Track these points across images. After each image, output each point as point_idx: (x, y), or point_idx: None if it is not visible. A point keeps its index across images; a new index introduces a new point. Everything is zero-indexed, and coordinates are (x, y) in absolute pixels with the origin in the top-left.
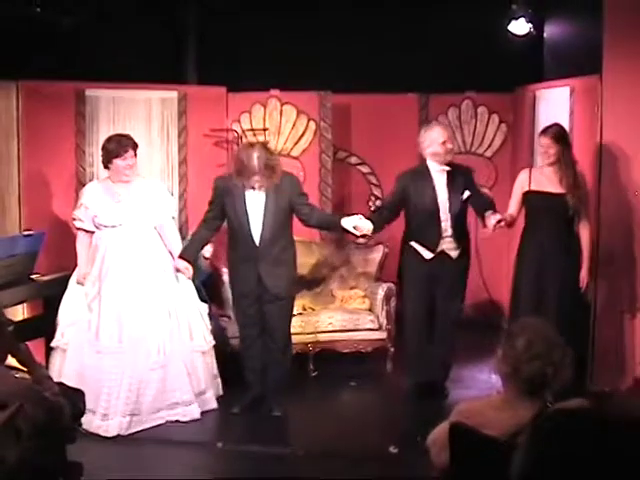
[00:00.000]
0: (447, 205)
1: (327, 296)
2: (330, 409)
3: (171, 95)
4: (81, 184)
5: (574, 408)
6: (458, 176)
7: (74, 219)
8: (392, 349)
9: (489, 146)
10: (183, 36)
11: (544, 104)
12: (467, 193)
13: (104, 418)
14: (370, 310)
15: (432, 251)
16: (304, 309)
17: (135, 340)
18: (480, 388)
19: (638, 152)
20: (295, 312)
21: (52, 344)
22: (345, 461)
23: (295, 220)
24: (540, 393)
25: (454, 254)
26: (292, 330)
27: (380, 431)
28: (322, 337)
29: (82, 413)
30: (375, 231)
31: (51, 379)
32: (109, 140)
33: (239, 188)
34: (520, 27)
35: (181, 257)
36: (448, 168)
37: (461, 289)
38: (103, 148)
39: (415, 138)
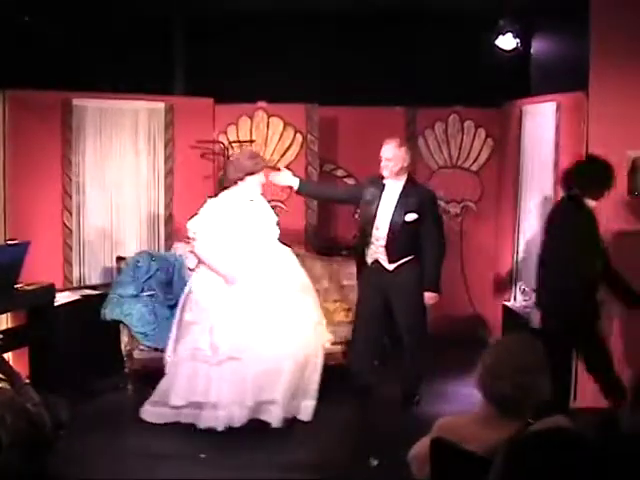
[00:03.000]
0: (388, 217)
1: None
2: (312, 421)
3: (158, 106)
4: (67, 194)
5: (546, 429)
6: (414, 196)
7: (193, 233)
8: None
9: (475, 160)
10: (171, 47)
11: (530, 119)
12: (413, 216)
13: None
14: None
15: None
16: None
17: (255, 346)
18: (463, 403)
19: (623, 168)
20: None
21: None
22: (326, 473)
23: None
24: (516, 412)
25: (389, 267)
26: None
27: (362, 444)
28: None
29: (62, 423)
30: (300, 190)
31: (31, 390)
32: (245, 156)
33: None
34: (507, 42)
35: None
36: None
37: (414, 304)
38: (237, 163)
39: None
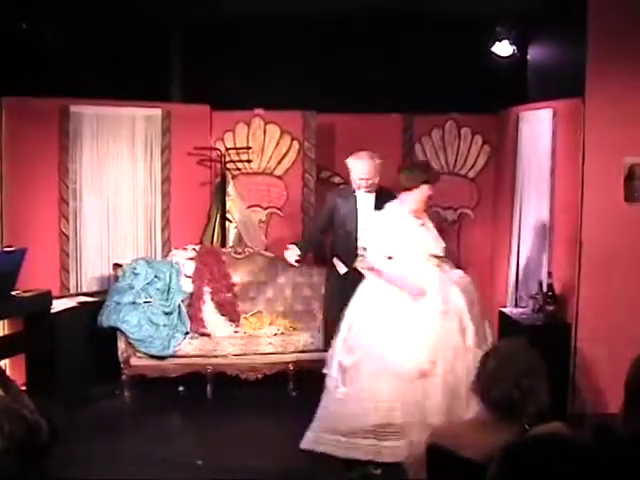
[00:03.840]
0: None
1: (309, 315)
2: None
3: (155, 113)
4: (64, 200)
5: (542, 435)
6: (389, 199)
7: (363, 249)
8: None
9: (472, 167)
10: (168, 54)
11: (527, 125)
12: None
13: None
14: None
15: (347, 266)
16: (285, 329)
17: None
18: None
19: (620, 174)
20: (276, 331)
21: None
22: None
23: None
24: (514, 416)
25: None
26: (271, 350)
27: None
28: (303, 357)
29: (58, 430)
30: (301, 253)
31: (26, 397)
32: (424, 164)
33: None
34: (504, 49)
35: None
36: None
37: None
38: (417, 169)
39: (399, 158)
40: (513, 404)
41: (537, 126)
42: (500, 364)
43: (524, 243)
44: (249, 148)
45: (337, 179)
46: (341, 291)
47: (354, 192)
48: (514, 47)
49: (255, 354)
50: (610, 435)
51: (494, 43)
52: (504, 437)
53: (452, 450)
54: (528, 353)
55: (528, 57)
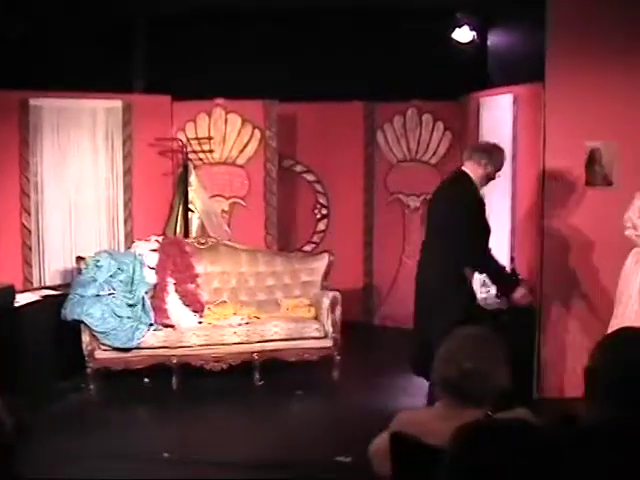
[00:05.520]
0: None
1: (272, 305)
2: (277, 418)
3: (116, 104)
4: (25, 194)
5: (491, 420)
6: None
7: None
8: (338, 357)
9: (434, 153)
10: (128, 45)
11: (488, 111)
12: None
13: None
14: (316, 319)
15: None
16: (249, 318)
17: None
18: (425, 397)
19: (581, 159)
20: (240, 321)
21: None
22: (293, 471)
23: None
24: (468, 401)
25: None
26: (236, 339)
27: (328, 440)
28: (268, 346)
29: (24, 424)
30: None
31: None
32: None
33: None
34: (464, 35)
35: None
36: None
37: None
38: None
39: (361, 146)
40: (454, 387)
41: (498, 112)
42: (449, 348)
43: None
44: (211, 138)
45: (299, 167)
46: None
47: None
48: (474, 33)
49: (220, 344)
50: (571, 421)
51: (454, 29)
52: None
53: (416, 438)
54: (481, 338)
55: (488, 43)
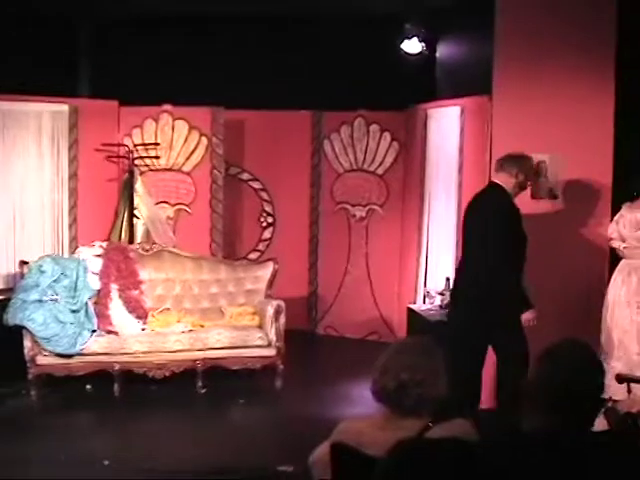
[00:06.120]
0: None
1: (216, 313)
2: (219, 426)
3: (62, 108)
4: None
5: (421, 440)
6: None
7: None
8: (281, 366)
9: (381, 163)
10: (75, 49)
11: (435, 122)
12: None
13: None
14: (260, 327)
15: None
16: (193, 326)
17: None
18: (368, 406)
19: None
20: (184, 329)
21: None
22: (235, 479)
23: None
24: (407, 412)
25: None
26: (179, 347)
27: (271, 448)
28: (211, 354)
29: None
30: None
31: None
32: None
33: None
34: (413, 46)
35: None
36: None
37: None
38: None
39: (308, 155)
40: (392, 398)
41: (445, 123)
42: (388, 359)
43: (432, 239)
44: (157, 144)
45: (246, 175)
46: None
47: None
48: (423, 44)
49: (163, 352)
50: (510, 434)
51: (403, 40)
52: (405, 434)
53: (355, 448)
54: (419, 348)
55: (437, 54)
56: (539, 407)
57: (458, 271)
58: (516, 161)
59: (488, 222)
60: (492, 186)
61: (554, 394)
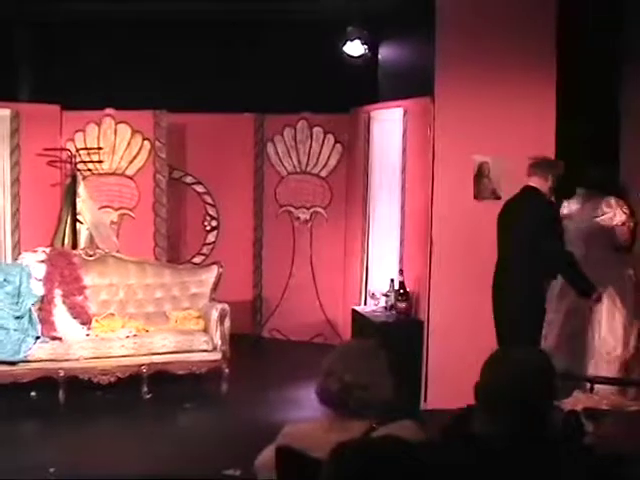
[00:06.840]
0: None
1: (161, 317)
2: (165, 431)
3: (3, 113)
4: None
5: (372, 439)
6: None
7: None
8: (227, 370)
9: (324, 166)
10: (16, 52)
11: (378, 125)
12: None
13: None
14: (205, 331)
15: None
16: (137, 331)
17: None
18: (315, 409)
19: (469, 172)
20: (128, 334)
21: None
22: None
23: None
24: (352, 413)
25: None
26: (124, 352)
27: (217, 453)
28: (156, 359)
29: None
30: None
31: None
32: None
33: None
34: (355, 49)
35: None
36: None
37: None
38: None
39: (251, 158)
40: (336, 400)
41: (388, 125)
42: (332, 361)
43: (376, 241)
44: (100, 148)
45: (189, 179)
46: None
47: None
48: (365, 47)
49: (107, 357)
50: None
51: (345, 43)
52: (350, 437)
53: (301, 451)
54: (363, 350)
55: (379, 57)
56: (484, 409)
57: (498, 271)
58: (550, 166)
59: (534, 224)
60: (529, 189)
61: (497, 397)
